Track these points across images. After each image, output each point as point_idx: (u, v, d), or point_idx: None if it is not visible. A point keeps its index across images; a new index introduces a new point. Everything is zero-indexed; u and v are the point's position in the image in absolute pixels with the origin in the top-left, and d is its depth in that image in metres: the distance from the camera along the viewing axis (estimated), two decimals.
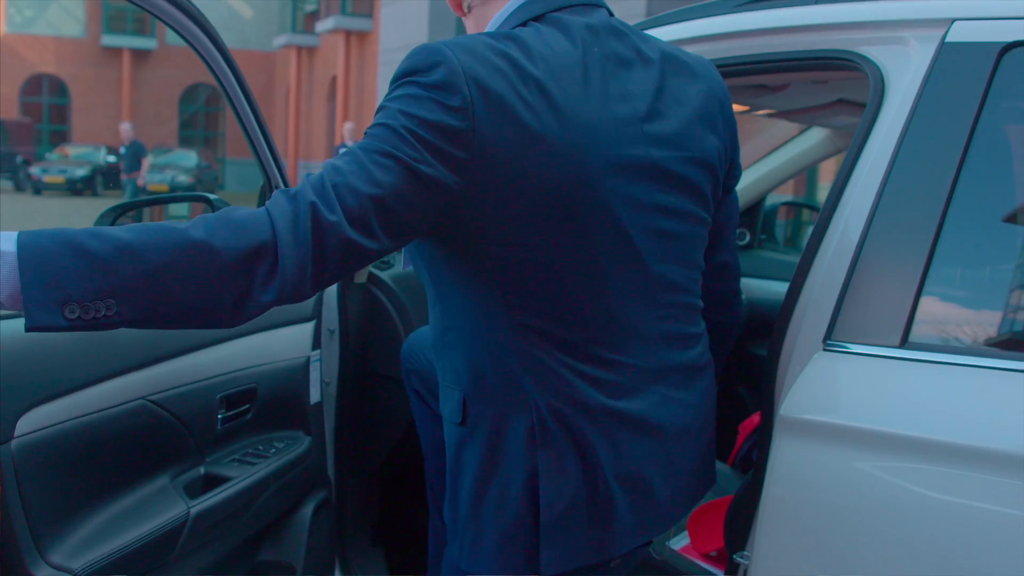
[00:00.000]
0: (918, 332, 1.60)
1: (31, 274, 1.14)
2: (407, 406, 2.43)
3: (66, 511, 1.54)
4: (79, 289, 1.14)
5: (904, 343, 1.59)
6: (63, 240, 1.16)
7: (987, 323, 1.64)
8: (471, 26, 1.62)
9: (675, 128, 1.53)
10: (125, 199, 15.72)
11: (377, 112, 1.37)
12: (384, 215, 1.30)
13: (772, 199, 3.86)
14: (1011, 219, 1.67)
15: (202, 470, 1.86)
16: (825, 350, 1.65)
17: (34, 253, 1.14)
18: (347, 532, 2.42)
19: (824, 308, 1.67)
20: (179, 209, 2.66)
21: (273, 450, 2.02)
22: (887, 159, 1.68)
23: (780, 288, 3.58)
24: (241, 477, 1.88)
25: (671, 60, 1.58)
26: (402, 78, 1.37)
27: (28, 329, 1.13)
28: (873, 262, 1.65)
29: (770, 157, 3.59)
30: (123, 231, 1.18)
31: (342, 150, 13.75)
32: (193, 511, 1.73)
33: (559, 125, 1.39)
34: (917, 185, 1.65)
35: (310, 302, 2.20)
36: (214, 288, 1.21)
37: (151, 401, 1.71)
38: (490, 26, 1.56)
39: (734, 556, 1.82)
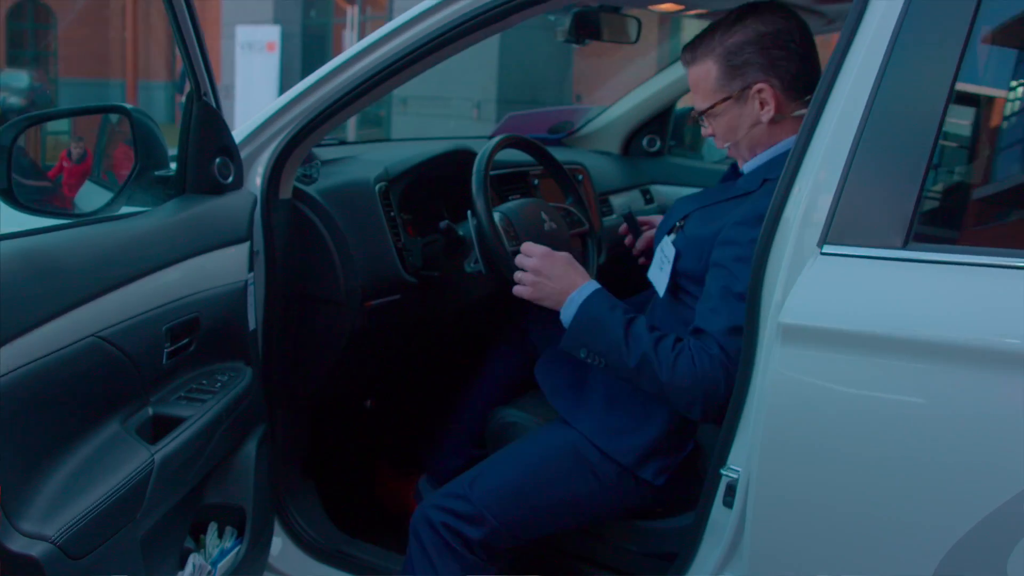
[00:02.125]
0: (922, 232, 1.54)
1: (579, 325, 1.94)
2: (342, 330, 2.28)
3: (28, 472, 1.35)
4: (594, 350, 1.91)
5: (907, 244, 1.53)
6: (603, 320, 1.92)
7: (993, 220, 1.59)
8: (752, 133, 1.97)
9: None
10: None
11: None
12: None
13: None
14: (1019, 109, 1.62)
15: (150, 411, 1.68)
16: (823, 254, 1.58)
17: (586, 315, 1.94)
18: (278, 466, 2.27)
19: (818, 211, 1.59)
20: (61, 124, 2.39)
21: (218, 384, 1.85)
22: (884, 47, 1.58)
23: (689, 193, 3.53)
24: (196, 416, 1.71)
25: None
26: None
27: (562, 347, 1.97)
28: (872, 160, 1.57)
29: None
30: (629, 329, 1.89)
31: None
32: (157, 457, 1.55)
33: None
34: (919, 74, 1.56)
35: (243, 221, 2.01)
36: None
37: (101, 338, 1.52)
38: (777, 149, 1.96)
39: (721, 472, 1.76)
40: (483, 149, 2.34)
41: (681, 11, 2.63)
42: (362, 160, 2.53)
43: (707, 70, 1.96)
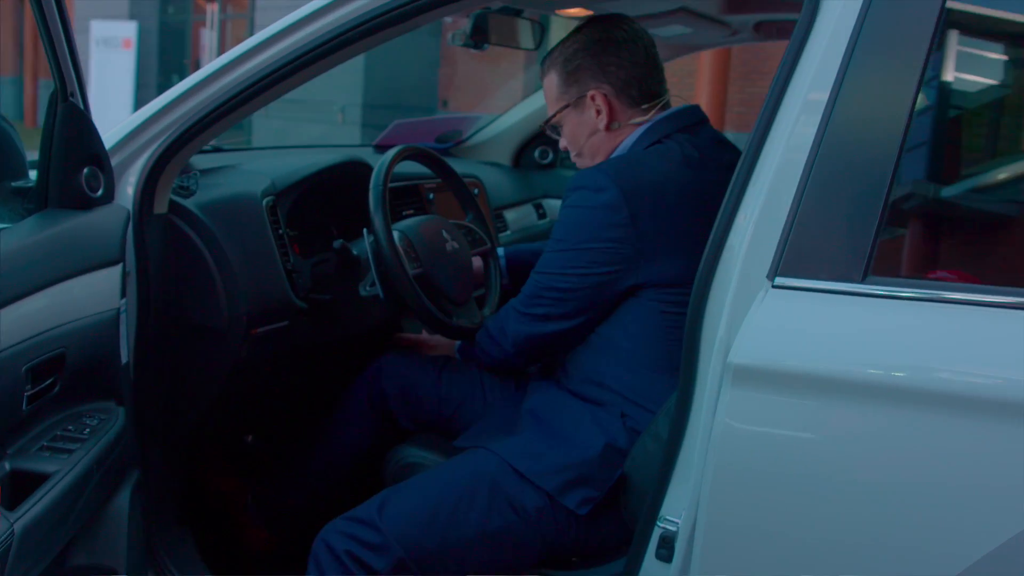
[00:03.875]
0: (882, 264, 1.42)
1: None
2: (224, 360, 2.05)
3: None
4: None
5: (866, 277, 1.41)
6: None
7: (959, 253, 1.48)
8: (592, 141, 2.03)
9: None
10: None
11: None
12: None
13: None
14: (984, 132, 1.51)
15: (7, 466, 1.43)
16: (774, 287, 1.44)
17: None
18: (151, 515, 2.02)
19: (767, 241, 1.46)
20: None
21: (87, 430, 1.61)
22: (839, 60, 1.45)
23: None
24: (63, 471, 1.46)
25: None
26: None
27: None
28: (827, 185, 1.44)
29: None
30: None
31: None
32: (18, 526, 1.31)
33: None
34: (878, 89, 1.44)
35: (115, 240, 1.77)
36: None
37: None
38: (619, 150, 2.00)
39: (657, 523, 1.61)
40: (381, 161, 2.14)
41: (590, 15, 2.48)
42: (244, 171, 2.30)
43: (551, 80, 2.05)
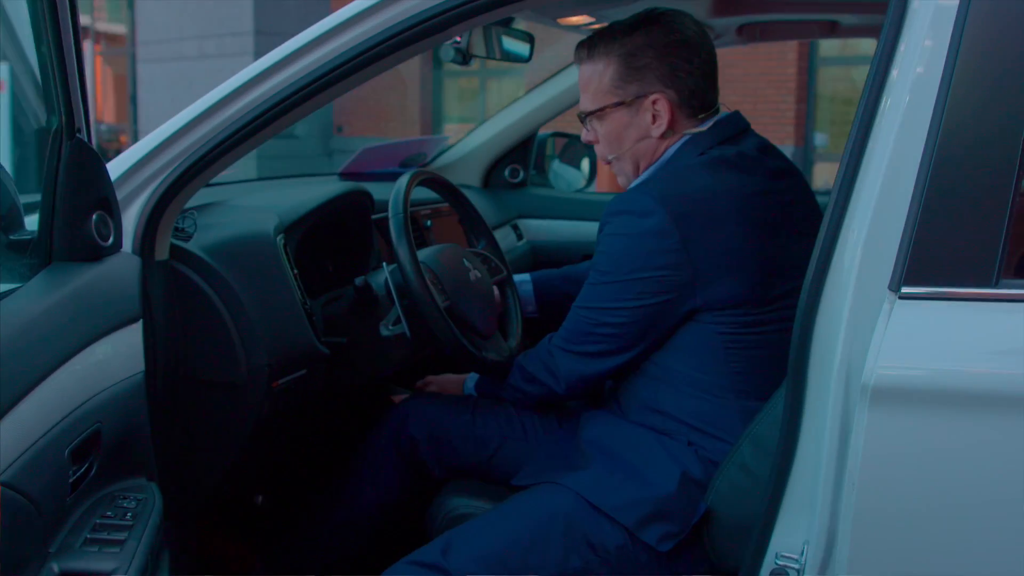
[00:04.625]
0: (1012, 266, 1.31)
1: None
2: (244, 418, 1.84)
3: None
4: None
5: (999, 280, 1.29)
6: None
7: None
8: (639, 146, 1.86)
9: None
10: None
11: None
12: None
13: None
14: None
15: (55, 568, 1.21)
16: (902, 298, 1.32)
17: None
18: None
19: (884, 249, 1.33)
20: None
21: (128, 514, 1.39)
22: (944, 49, 1.34)
23: (559, 226, 3.27)
24: (122, 568, 1.24)
25: None
26: None
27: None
28: (950, 187, 1.32)
29: (544, 86, 3.21)
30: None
31: None
32: None
33: None
34: (995, 81, 1.33)
35: (132, 293, 1.57)
36: None
37: (2, 483, 1.05)
38: (662, 160, 1.86)
39: (776, 560, 1.47)
40: (396, 188, 1.97)
41: (591, 23, 2.34)
42: (245, 207, 2.08)
43: (602, 68, 1.84)
